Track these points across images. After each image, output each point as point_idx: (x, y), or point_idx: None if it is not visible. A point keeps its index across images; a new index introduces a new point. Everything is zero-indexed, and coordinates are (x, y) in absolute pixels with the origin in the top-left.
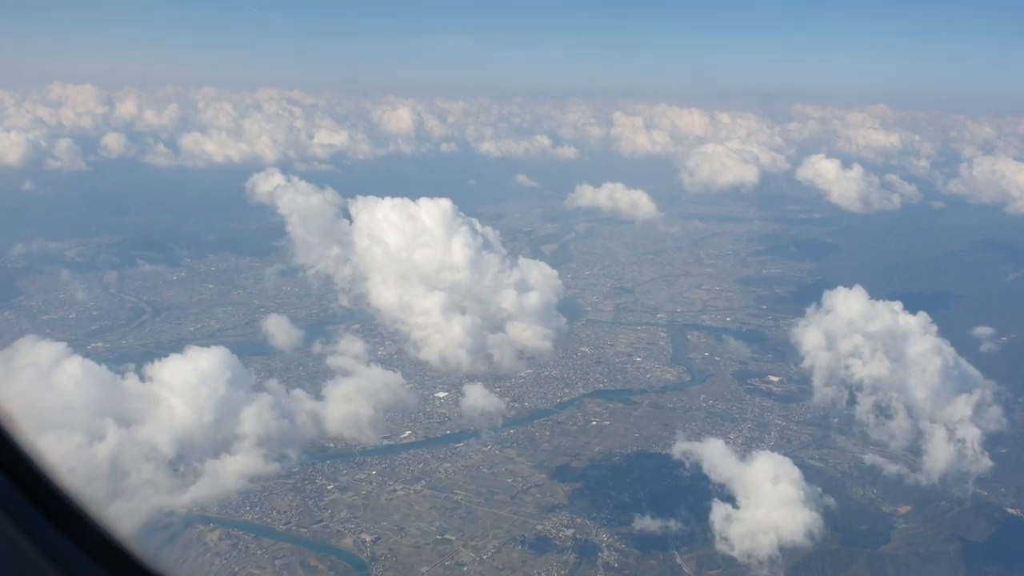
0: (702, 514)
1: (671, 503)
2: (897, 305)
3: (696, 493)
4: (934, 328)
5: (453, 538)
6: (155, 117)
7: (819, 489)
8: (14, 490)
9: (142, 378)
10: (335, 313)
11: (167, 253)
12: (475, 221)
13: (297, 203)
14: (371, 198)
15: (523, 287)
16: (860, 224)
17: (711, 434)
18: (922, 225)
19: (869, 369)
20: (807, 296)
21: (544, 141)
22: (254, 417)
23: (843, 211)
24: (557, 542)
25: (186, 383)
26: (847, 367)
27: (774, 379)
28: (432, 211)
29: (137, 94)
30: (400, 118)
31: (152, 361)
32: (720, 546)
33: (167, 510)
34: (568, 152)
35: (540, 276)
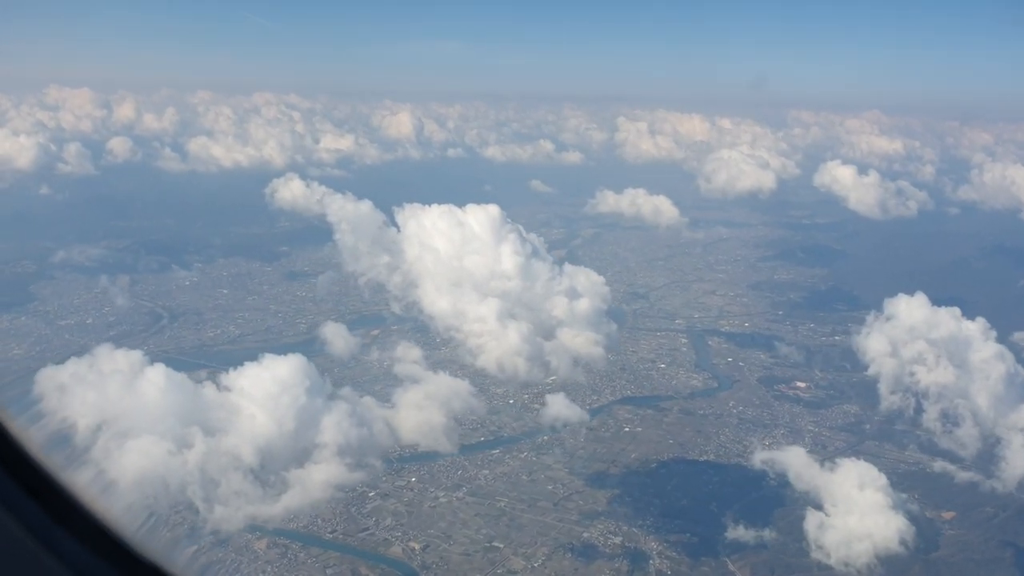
0: (751, 520)
1: (716, 509)
2: (956, 311)
3: (742, 499)
4: (993, 334)
5: (501, 546)
6: (155, 121)
7: (904, 495)
8: (10, 481)
9: (219, 386)
10: (353, 319)
11: (178, 258)
12: (521, 227)
13: (347, 210)
14: (416, 205)
15: (572, 294)
16: (867, 230)
17: (747, 440)
18: (929, 231)
19: (934, 376)
20: (822, 302)
21: (547, 146)
22: (334, 425)
23: (852, 217)
24: (606, 550)
25: (265, 392)
26: (912, 374)
27: (801, 385)
28: (480, 218)
29: (134, 98)
30: (400, 123)
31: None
32: (816, 554)
33: (262, 519)
34: (573, 157)
35: (587, 283)
